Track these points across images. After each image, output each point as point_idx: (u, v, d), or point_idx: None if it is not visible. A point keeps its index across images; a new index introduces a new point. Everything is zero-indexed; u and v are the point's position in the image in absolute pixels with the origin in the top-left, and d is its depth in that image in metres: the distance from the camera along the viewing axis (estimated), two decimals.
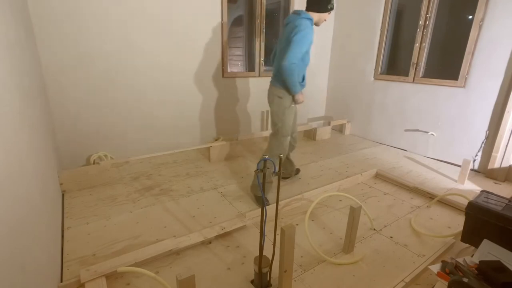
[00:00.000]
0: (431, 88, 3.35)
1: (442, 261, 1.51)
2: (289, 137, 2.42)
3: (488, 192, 1.79)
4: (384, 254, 1.76)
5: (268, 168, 1.34)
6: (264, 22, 3.69)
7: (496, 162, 2.88)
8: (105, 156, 2.93)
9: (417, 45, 3.39)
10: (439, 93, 3.29)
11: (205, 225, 2.01)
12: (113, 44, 2.78)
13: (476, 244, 1.62)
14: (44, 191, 1.56)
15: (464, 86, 3.07)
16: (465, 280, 1.27)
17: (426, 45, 3.34)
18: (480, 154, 3.05)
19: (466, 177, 2.75)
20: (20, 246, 0.95)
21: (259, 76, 3.88)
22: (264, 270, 1.42)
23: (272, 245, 1.57)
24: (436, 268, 1.49)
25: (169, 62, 3.14)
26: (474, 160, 3.10)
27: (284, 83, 2.23)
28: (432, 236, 1.92)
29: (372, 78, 3.97)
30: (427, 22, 3.28)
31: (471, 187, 2.71)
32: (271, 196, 2.42)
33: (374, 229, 2.02)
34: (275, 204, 1.43)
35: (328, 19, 2.48)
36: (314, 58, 3.94)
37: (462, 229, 1.73)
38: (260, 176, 1.31)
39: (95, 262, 1.60)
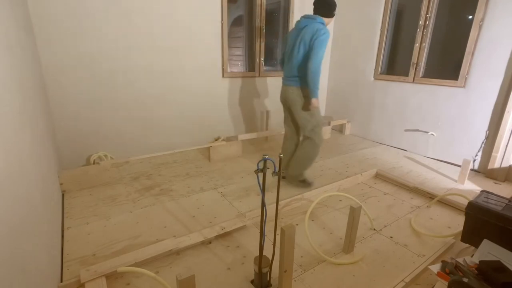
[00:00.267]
0: (431, 88, 3.35)
1: (442, 261, 1.51)
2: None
3: (488, 192, 1.79)
4: (384, 254, 1.76)
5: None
6: (264, 22, 3.69)
7: (496, 162, 2.88)
8: (105, 156, 2.93)
9: (417, 45, 3.39)
10: (439, 93, 3.29)
11: (205, 225, 2.01)
12: (113, 44, 2.78)
13: (476, 244, 1.62)
14: (44, 191, 1.56)
15: (464, 86, 3.07)
16: (465, 280, 1.27)
17: (426, 45, 3.35)
18: (480, 154, 3.05)
19: (466, 177, 2.75)
20: (20, 246, 0.95)
21: (259, 76, 3.88)
22: (264, 270, 1.42)
23: (272, 245, 1.58)
24: (436, 268, 1.49)
25: (169, 62, 3.14)
26: (474, 160, 3.10)
27: (307, 85, 2.32)
28: (432, 236, 1.92)
29: (372, 78, 3.97)
30: (427, 22, 3.28)
31: (471, 187, 2.71)
32: (271, 196, 2.42)
33: (374, 229, 2.02)
34: (275, 204, 1.43)
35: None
36: None
37: (462, 229, 1.73)
38: (261, 176, 1.31)
39: (95, 262, 1.60)
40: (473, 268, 1.38)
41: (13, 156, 1.06)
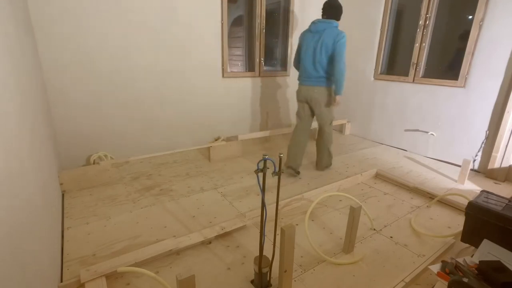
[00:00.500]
0: (431, 88, 3.35)
1: (442, 261, 1.51)
2: None
3: (488, 192, 1.79)
4: (384, 254, 1.76)
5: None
6: (264, 22, 3.69)
7: (496, 162, 2.88)
8: (105, 156, 2.93)
9: (417, 45, 3.39)
10: (439, 93, 3.29)
11: (205, 225, 2.01)
12: (113, 43, 2.78)
13: (476, 244, 1.62)
14: (44, 191, 1.56)
15: (464, 86, 3.07)
16: (465, 280, 1.27)
17: (426, 45, 3.35)
18: (480, 154, 3.05)
19: (466, 177, 2.75)
20: (20, 246, 0.95)
21: (259, 76, 3.88)
22: (264, 270, 1.42)
23: (272, 245, 1.58)
24: (436, 268, 1.49)
25: (169, 62, 3.14)
26: (474, 160, 3.10)
27: (332, 84, 2.64)
28: (432, 236, 1.92)
29: (372, 78, 3.97)
30: (427, 22, 3.28)
31: (471, 187, 2.71)
32: (271, 196, 2.42)
33: (374, 229, 2.02)
34: (275, 204, 1.43)
35: None
36: None
37: (462, 229, 1.73)
38: (261, 176, 1.31)
39: (95, 262, 1.60)
40: (473, 268, 1.38)
41: (13, 156, 1.06)
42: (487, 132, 2.96)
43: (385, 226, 2.06)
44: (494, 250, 1.50)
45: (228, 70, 3.60)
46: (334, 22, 2.56)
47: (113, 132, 2.99)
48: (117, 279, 1.52)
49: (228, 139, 3.39)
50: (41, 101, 2.11)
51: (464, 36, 3.06)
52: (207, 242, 1.82)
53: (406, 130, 3.69)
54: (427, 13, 3.26)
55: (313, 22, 2.64)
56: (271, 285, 1.49)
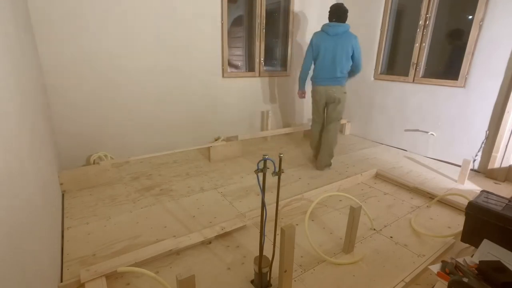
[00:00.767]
0: (431, 88, 3.35)
1: (442, 261, 1.51)
2: None
3: (488, 192, 1.79)
4: (384, 254, 1.76)
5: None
6: (264, 22, 3.69)
7: (496, 162, 2.88)
8: (105, 156, 2.93)
9: (417, 45, 3.39)
10: (439, 93, 3.29)
11: (205, 225, 2.01)
12: (113, 43, 2.78)
13: (476, 244, 1.62)
14: (44, 191, 1.57)
15: (464, 86, 3.07)
16: (465, 280, 1.27)
17: (426, 45, 3.35)
18: (480, 154, 3.05)
19: (466, 177, 2.75)
20: (20, 246, 0.95)
21: (259, 76, 3.88)
22: (264, 270, 1.42)
23: (272, 245, 1.58)
24: (436, 268, 1.49)
25: (169, 62, 3.14)
26: (474, 160, 3.10)
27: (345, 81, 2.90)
28: (432, 236, 1.92)
29: (372, 78, 3.97)
30: (427, 22, 3.28)
31: (471, 187, 2.71)
32: (271, 196, 2.42)
33: (374, 229, 2.02)
34: (275, 204, 1.43)
35: None
36: None
37: (462, 229, 1.73)
38: (261, 176, 1.31)
39: (95, 262, 1.60)
40: (473, 268, 1.38)
41: (13, 156, 1.06)
42: (487, 132, 2.96)
43: (385, 226, 2.06)
44: (494, 250, 1.50)
45: (228, 70, 3.60)
46: (347, 25, 2.76)
47: (113, 132, 2.99)
48: (117, 279, 1.52)
49: (228, 139, 3.40)
50: (41, 101, 2.11)
51: (454, 34, 3.12)
52: (207, 242, 1.82)
53: (406, 130, 3.69)
54: (427, 13, 3.26)
55: (328, 25, 2.77)
56: (271, 285, 1.49)
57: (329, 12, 2.81)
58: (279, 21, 4.04)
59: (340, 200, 2.41)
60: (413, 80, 3.50)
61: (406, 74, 3.57)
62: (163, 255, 1.66)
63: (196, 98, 3.43)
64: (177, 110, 3.34)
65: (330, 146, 2.96)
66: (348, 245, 1.75)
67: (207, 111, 3.57)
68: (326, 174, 2.92)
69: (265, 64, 3.91)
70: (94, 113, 2.84)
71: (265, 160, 1.25)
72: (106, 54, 2.77)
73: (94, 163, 2.83)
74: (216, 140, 3.65)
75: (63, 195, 2.37)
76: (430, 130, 3.44)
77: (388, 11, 3.67)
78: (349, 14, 2.83)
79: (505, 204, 1.63)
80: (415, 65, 3.45)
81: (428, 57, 3.40)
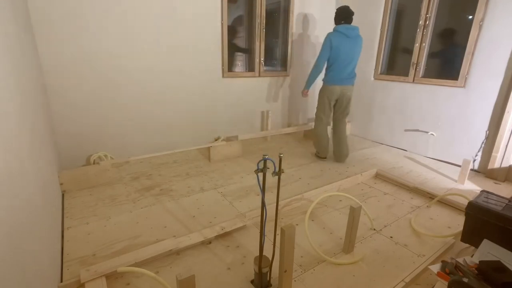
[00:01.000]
0: (431, 88, 3.35)
1: (442, 261, 1.51)
2: None
3: (488, 192, 1.79)
4: (384, 254, 1.76)
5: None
6: (264, 22, 3.69)
7: (496, 162, 2.88)
8: (105, 156, 2.93)
9: (417, 45, 3.39)
10: (439, 93, 3.29)
11: (205, 225, 2.01)
12: (113, 43, 2.78)
13: (476, 244, 1.62)
14: (44, 191, 1.57)
15: (464, 86, 3.07)
16: (465, 280, 1.27)
17: (426, 45, 3.35)
18: (480, 154, 3.05)
19: (466, 177, 2.75)
20: (20, 246, 0.95)
21: (259, 76, 3.88)
22: (264, 270, 1.42)
23: (272, 245, 1.58)
24: (436, 268, 1.49)
25: (169, 62, 3.14)
26: (474, 160, 3.10)
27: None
28: (432, 236, 1.92)
29: (372, 78, 3.97)
30: (427, 22, 3.28)
31: (471, 187, 2.71)
32: (271, 196, 2.42)
33: (374, 229, 2.02)
34: (275, 204, 1.43)
35: None
36: (314, 57, 3.94)
37: (462, 229, 1.73)
38: (260, 176, 1.31)
39: (95, 262, 1.60)
40: (473, 268, 1.38)
41: (13, 156, 1.06)
42: (487, 132, 2.96)
43: (385, 226, 2.06)
44: (494, 250, 1.50)
45: (228, 70, 3.60)
46: (357, 27, 2.91)
47: (113, 132, 2.99)
48: (117, 279, 1.52)
49: (228, 139, 3.39)
50: (41, 101, 2.11)
51: (446, 34, 3.21)
52: (207, 242, 1.82)
53: (406, 130, 3.69)
54: (427, 13, 3.26)
55: (345, 27, 2.86)
56: (271, 285, 1.49)
57: (337, 14, 2.93)
58: (279, 21, 4.04)
59: (340, 200, 2.41)
60: (413, 80, 3.50)
61: (406, 74, 3.57)
62: (163, 255, 1.66)
63: (196, 98, 3.43)
64: (177, 110, 3.34)
65: (346, 137, 3.22)
66: (348, 245, 1.75)
67: (207, 111, 3.56)
68: (326, 174, 2.92)
69: (265, 64, 3.91)
70: (94, 113, 2.84)
71: (265, 160, 1.25)
72: (106, 54, 2.77)
73: (94, 163, 2.83)
74: (216, 140, 3.65)
75: (63, 195, 2.37)
76: (430, 130, 3.44)
77: (388, 11, 3.67)
78: None
79: (505, 204, 1.63)
80: (415, 65, 3.45)
81: (428, 57, 3.40)
